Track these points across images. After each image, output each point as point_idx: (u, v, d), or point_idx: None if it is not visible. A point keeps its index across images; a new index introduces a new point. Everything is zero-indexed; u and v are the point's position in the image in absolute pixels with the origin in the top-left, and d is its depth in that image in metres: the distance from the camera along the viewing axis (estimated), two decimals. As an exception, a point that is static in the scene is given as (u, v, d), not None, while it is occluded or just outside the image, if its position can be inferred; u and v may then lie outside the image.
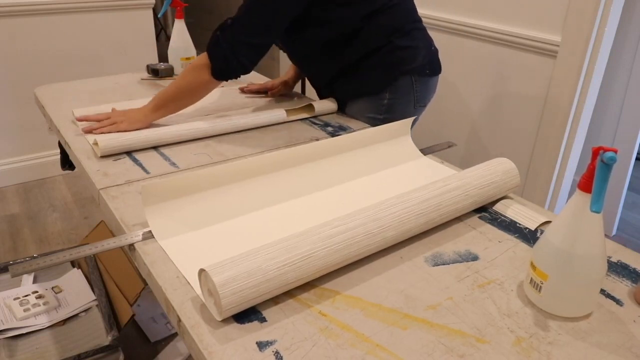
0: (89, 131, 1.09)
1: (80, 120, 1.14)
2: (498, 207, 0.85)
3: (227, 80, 1.14)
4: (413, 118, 1.07)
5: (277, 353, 0.55)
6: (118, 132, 1.09)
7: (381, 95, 1.26)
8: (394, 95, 1.27)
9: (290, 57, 1.37)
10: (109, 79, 1.48)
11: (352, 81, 1.28)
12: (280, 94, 1.43)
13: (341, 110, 1.34)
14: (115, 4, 2.40)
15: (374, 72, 1.25)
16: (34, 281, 1.51)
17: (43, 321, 1.35)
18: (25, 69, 2.30)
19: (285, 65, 3.30)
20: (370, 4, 1.17)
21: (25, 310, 1.36)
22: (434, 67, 1.31)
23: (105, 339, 1.30)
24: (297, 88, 1.49)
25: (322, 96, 1.41)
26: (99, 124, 1.11)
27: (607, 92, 2.03)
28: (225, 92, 1.32)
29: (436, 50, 1.34)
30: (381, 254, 0.73)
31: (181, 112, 1.20)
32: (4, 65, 2.26)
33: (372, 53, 1.22)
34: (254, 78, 1.55)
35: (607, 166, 0.54)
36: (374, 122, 1.28)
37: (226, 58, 1.09)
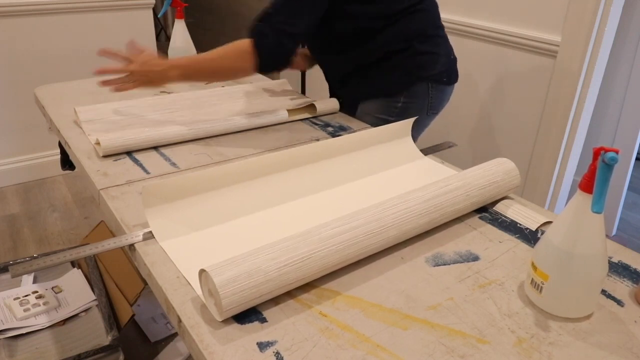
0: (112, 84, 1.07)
1: (100, 72, 1.08)
2: (499, 208, 0.85)
3: (268, 72, 1.13)
4: (414, 119, 1.07)
5: (277, 353, 0.55)
6: (132, 86, 1.07)
7: (396, 98, 1.25)
8: (408, 100, 1.26)
9: (310, 50, 1.37)
10: (108, 79, 1.48)
11: (368, 81, 1.27)
12: (300, 68, 1.42)
13: (350, 109, 1.32)
14: (115, 4, 2.40)
15: (391, 74, 1.24)
16: (34, 281, 1.51)
17: (43, 321, 1.35)
18: (25, 69, 2.30)
19: (285, 65, 3.30)
20: (395, 4, 1.16)
21: (25, 310, 1.36)
22: (451, 76, 1.31)
23: (105, 339, 1.30)
24: (297, 88, 1.49)
25: (334, 93, 1.41)
26: (116, 80, 1.07)
27: (607, 92, 2.03)
28: (226, 92, 1.32)
29: (455, 59, 1.33)
30: (382, 254, 0.73)
31: (181, 112, 1.20)
32: (4, 65, 2.25)
33: (392, 55, 1.21)
34: (254, 77, 1.55)
35: (609, 166, 0.54)
36: (384, 124, 1.26)
37: (273, 50, 1.08)
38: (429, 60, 1.24)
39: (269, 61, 1.09)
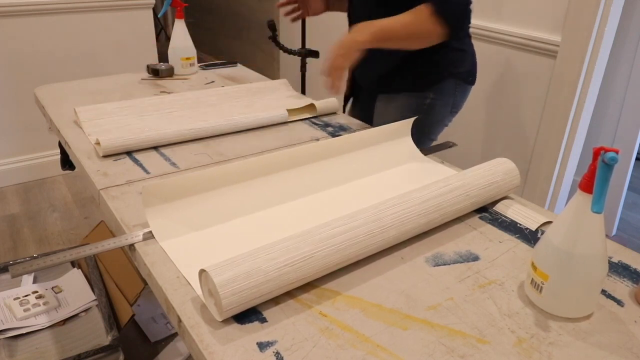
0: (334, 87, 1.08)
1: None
2: (498, 208, 0.85)
3: (453, 36, 1.12)
4: (414, 118, 1.07)
5: (277, 354, 0.55)
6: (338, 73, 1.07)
7: (425, 94, 1.23)
8: (436, 96, 1.24)
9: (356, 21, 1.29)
10: (109, 79, 1.48)
11: (401, 72, 1.23)
12: (314, 12, 1.40)
13: (366, 103, 1.29)
14: (115, 4, 2.40)
15: (423, 68, 1.21)
16: (34, 281, 1.51)
17: (43, 321, 1.35)
18: (25, 69, 2.30)
19: (284, 66, 3.30)
20: None
21: (25, 310, 1.36)
22: (474, 76, 1.30)
23: (105, 339, 1.30)
24: (297, 88, 1.49)
25: (355, 84, 1.38)
26: (330, 78, 1.08)
27: (607, 92, 2.03)
28: (226, 92, 1.32)
29: (476, 60, 1.32)
30: (382, 254, 0.73)
31: (181, 112, 1.20)
32: (4, 65, 2.25)
33: (426, 48, 1.16)
34: (254, 77, 1.55)
35: (609, 166, 0.54)
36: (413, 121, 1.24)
37: (455, 11, 1.09)
38: (459, 57, 1.23)
39: (454, 22, 1.09)
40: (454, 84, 1.24)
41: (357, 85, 1.40)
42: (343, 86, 1.10)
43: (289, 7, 1.41)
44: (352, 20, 1.33)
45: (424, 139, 1.31)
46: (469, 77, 1.27)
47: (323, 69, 1.10)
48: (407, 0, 1.09)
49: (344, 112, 1.48)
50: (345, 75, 1.10)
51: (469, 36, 1.27)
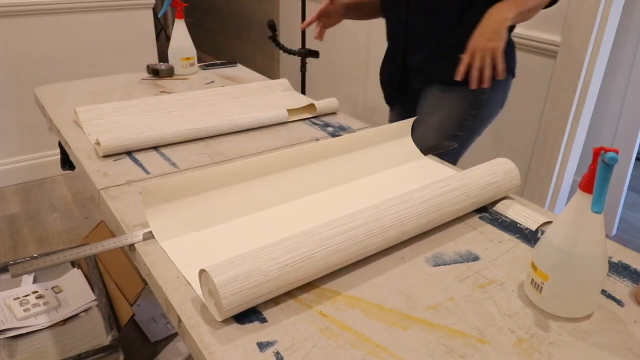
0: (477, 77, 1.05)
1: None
2: (498, 208, 0.85)
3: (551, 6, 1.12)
4: (414, 118, 1.07)
5: (277, 354, 0.55)
6: (499, 58, 1.03)
7: (483, 89, 1.17)
8: (492, 92, 1.19)
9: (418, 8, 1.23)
10: (109, 79, 1.48)
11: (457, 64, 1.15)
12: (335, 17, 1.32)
13: (411, 96, 1.26)
14: (115, 4, 2.40)
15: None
16: (34, 281, 1.51)
17: (43, 321, 1.35)
18: (25, 69, 2.30)
19: (284, 66, 3.30)
20: None
21: (25, 310, 1.36)
22: (515, 71, 1.27)
23: (105, 339, 1.30)
24: (297, 88, 1.49)
25: (404, 72, 1.31)
26: (475, 71, 1.04)
27: (607, 92, 2.03)
28: (226, 92, 1.32)
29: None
30: (382, 254, 0.73)
31: (181, 112, 1.20)
32: (4, 65, 2.25)
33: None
34: (254, 77, 1.55)
35: (609, 167, 0.54)
36: (464, 117, 1.19)
37: None
38: (511, 51, 1.19)
39: None
40: (505, 79, 1.20)
41: (407, 73, 1.33)
42: (502, 68, 1.06)
43: (316, 28, 1.32)
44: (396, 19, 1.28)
45: (473, 137, 1.27)
46: (514, 69, 1.25)
47: (466, 67, 1.05)
48: None
49: (388, 102, 1.42)
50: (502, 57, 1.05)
51: (512, 30, 1.22)
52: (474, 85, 1.06)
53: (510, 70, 1.23)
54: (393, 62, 1.34)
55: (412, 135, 1.22)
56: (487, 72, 1.04)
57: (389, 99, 1.44)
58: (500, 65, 1.04)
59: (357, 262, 0.70)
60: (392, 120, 1.39)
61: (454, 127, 1.25)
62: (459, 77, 1.07)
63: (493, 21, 1.04)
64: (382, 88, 1.44)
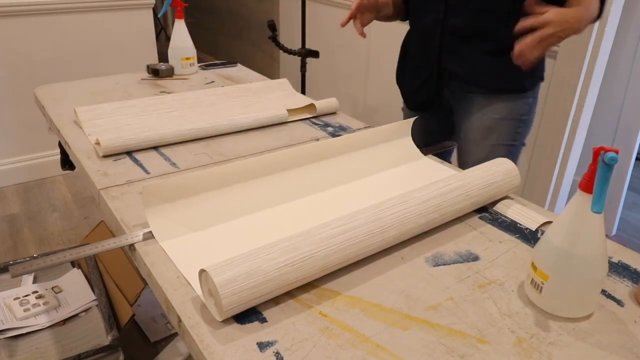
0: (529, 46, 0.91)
1: (520, 30, 0.91)
2: (498, 208, 0.85)
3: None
4: (415, 118, 1.07)
5: (277, 354, 0.55)
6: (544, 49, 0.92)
7: (527, 94, 1.12)
8: (535, 96, 1.14)
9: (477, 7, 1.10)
10: (109, 79, 1.48)
11: (505, 70, 1.06)
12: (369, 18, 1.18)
13: (446, 107, 1.19)
14: (115, 4, 2.40)
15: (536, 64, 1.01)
16: (34, 281, 1.51)
17: (43, 321, 1.35)
18: (25, 69, 2.30)
19: (284, 66, 3.30)
20: None
21: (25, 310, 1.36)
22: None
23: (105, 339, 1.30)
24: (297, 88, 1.49)
25: (438, 81, 1.20)
26: (531, 39, 0.90)
27: (607, 92, 2.03)
28: (226, 92, 1.32)
29: None
30: (382, 254, 0.73)
31: (181, 112, 1.20)
32: (4, 65, 2.25)
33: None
34: (254, 77, 1.55)
35: (608, 167, 0.54)
36: (516, 124, 1.14)
37: None
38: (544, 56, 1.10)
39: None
40: (540, 83, 1.17)
41: (441, 81, 1.21)
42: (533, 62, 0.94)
43: (355, 25, 1.16)
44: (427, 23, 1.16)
45: (520, 147, 1.19)
46: (543, 73, 1.19)
47: (529, 42, 0.91)
48: None
49: (412, 109, 1.29)
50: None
51: None
52: (516, 56, 0.92)
53: (542, 76, 1.18)
54: (423, 68, 1.22)
55: (458, 150, 1.18)
56: (538, 52, 0.92)
57: (415, 107, 1.31)
58: (540, 52, 0.93)
59: (357, 262, 0.70)
60: (422, 128, 1.24)
61: (510, 137, 1.16)
62: (518, 29, 0.92)
63: (575, 17, 0.92)
64: (406, 95, 1.32)
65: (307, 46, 2.41)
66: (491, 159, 0.96)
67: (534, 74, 1.13)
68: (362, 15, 1.17)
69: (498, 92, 1.14)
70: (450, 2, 1.11)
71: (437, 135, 1.27)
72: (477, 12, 1.09)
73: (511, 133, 1.17)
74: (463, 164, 1.24)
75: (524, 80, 1.13)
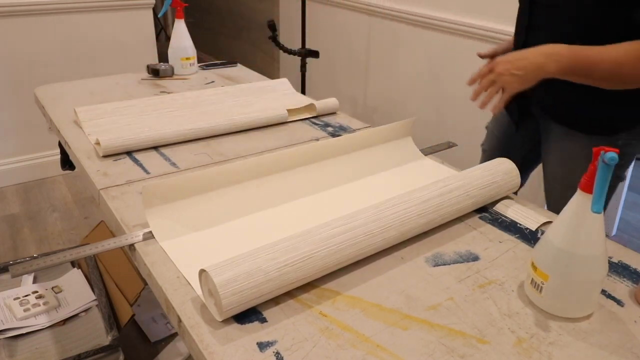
0: (478, 94, 0.91)
1: (471, 83, 0.90)
2: (498, 208, 0.85)
3: None
4: (414, 118, 1.07)
5: (277, 354, 0.55)
6: (505, 95, 0.87)
7: (617, 136, 0.96)
8: (629, 138, 0.97)
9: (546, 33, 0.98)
10: (109, 79, 1.48)
11: (586, 108, 0.97)
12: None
13: (530, 133, 1.08)
14: (115, 4, 2.40)
15: (617, 107, 0.94)
16: (34, 281, 1.51)
17: (43, 321, 1.35)
18: (25, 69, 2.30)
19: (284, 66, 3.30)
20: None
21: (25, 310, 1.36)
22: None
23: (105, 339, 1.30)
24: (297, 88, 1.49)
25: (523, 107, 1.09)
26: (480, 87, 0.89)
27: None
28: (226, 92, 1.32)
29: None
30: (382, 254, 0.73)
31: (181, 112, 1.20)
32: (4, 65, 2.25)
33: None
34: (254, 77, 1.55)
35: (608, 167, 0.54)
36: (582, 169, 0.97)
37: None
38: None
39: None
40: None
41: (524, 108, 1.11)
42: (500, 107, 0.90)
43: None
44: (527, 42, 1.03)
45: (617, 174, 1.01)
46: None
47: (478, 78, 0.90)
48: (620, 30, 0.85)
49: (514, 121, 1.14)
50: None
51: None
52: (473, 98, 0.93)
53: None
54: None
55: (544, 186, 1.05)
56: (486, 99, 0.91)
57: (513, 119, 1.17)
58: (500, 104, 0.90)
59: (357, 262, 0.70)
60: (503, 144, 1.16)
61: (569, 179, 0.99)
62: (469, 82, 0.94)
63: (535, 60, 0.86)
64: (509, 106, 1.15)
65: (307, 46, 2.41)
66: (559, 196, 0.89)
67: (622, 114, 0.96)
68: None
69: (578, 130, 1.00)
70: (533, 19, 1.02)
71: (517, 151, 1.16)
72: (556, 33, 0.96)
73: (572, 178, 0.97)
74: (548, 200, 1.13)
75: (604, 122, 0.98)
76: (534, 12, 1.01)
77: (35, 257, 1.04)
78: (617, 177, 1.02)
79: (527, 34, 1.04)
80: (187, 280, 0.66)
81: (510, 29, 1.85)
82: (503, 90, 0.89)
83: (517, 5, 1.07)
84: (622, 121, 0.97)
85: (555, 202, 1.06)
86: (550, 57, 0.86)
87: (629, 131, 0.97)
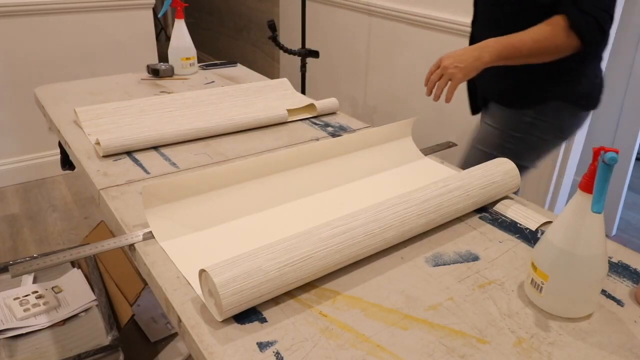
0: (431, 89, 1.09)
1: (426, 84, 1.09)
2: (498, 208, 0.85)
3: (589, 50, 1.04)
4: (415, 118, 1.07)
5: (277, 354, 0.55)
6: (452, 85, 1.05)
7: (524, 111, 1.16)
8: (537, 117, 1.15)
9: (482, 27, 1.23)
10: (109, 79, 1.48)
11: (508, 84, 1.16)
12: None
13: (480, 105, 1.28)
14: (115, 4, 2.40)
15: (525, 86, 1.14)
16: (34, 281, 1.51)
17: (43, 321, 1.35)
18: (25, 69, 2.30)
19: (284, 66, 3.30)
20: None
21: (25, 310, 1.36)
22: (592, 101, 1.18)
23: (105, 339, 1.30)
24: (297, 88, 1.49)
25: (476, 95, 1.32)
26: (430, 82, 1.07)
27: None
28: (226, 92, 1.32)
29: (600, 83, 1.19)
30: (382, 254, 0.73)
31: (181, 112, 1.20)
32: (4, 65, 2.25)
33: (533, 65, 1.08)
34: (254, 77, 1.55)
35: (608, 167, 0.54)
36: (503, 140, 1.18)
37: (593, 27, 1.00)
38: (571, 78, 1.12)
39: (591, 38, 1.01)
40: (558, 107, 1.15)
41: (474, 95, 1.34)
42: (450, 96, 1.07)
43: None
44: (475, 36, 1.26)
45: (519, 162, 1.13)
46: (583, 101, 1.16)
47: (430, 75, 1.08)
48: (538, 12, 1.04)
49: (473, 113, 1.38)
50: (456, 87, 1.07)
51: (589, 53, 1.12)
52: (427, 93, 1.10)
53: (569, 99, 1.15)
54: None
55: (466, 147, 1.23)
56: (437, 92, 1.08)
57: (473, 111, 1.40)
58: (449, 94, 1.06)
59: (357, 262, 0.70)
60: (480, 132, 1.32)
61: (493, 146, 1.23)
62: (425, 82, 1.12)
63: (471, 53, 1.05)
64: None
65: (307, 46, 2.41)
66: (471, 160, 1.07)
67: (529, 93, 1.15)
68: None
69: (504, 105, 1.20)
70: (477, 15, 1.25)
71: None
72: (487, 25, 1.20)
73: (496, 144, 1.22)
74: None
75: (515, 98, 1.18)
76: (478, 8, 1.25)
77: (35, 257, 1.04)
78: (524, 167, 1.22)
79: (473, 27, 1.27)
80: (187, 280, 0.66)
81: (510, 29, 1.85)
82: (451, 82, 1.06)
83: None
84: (530, 99, 1.16)
85: (467, 162, 1.25)
86: (483, 49, 1.05)
87: (535, 109, 1.16)
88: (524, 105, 1.17)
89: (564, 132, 1.20)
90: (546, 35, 1.02)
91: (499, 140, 1.21)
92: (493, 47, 1.04)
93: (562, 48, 1.03)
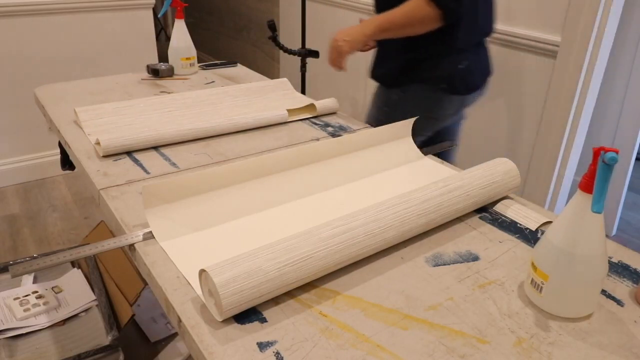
0: (336, 66, 1.25)
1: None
2: (498, 208, 0.85)
3: (450, 19, 1.17)
4: (415, 118, 1.07)
5: (277, 354, 0.55)
6: (342, 55, 1.22)
7: (392, 90, 1.33)
8: (402, 95, 1.31)
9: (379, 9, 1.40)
10: (109, 79, 1.48)
11: (386, 62, 1.33)
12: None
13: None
14: (115, 4, 2.40)
15: (393, 64, 1.30)
16: (34, 281, 1.51)
17: (43, 321, 1.35)
18: (25, 69, 2.30)
19: (284, 66, 3.30)
20: None
21: (25, 310, 1.36)
22: (455, 85, 1.28)
23: (105, 339, 1.30)
24: (297, 88, 1.49)
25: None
26: (328, 53, 1.23)
27: (607, 92, 2.03)
28: (226, 92, 1.32)
29: (466, 68, 1.28)
30: (382, 254, 0.73)
31: (181, 111, 1.20)
32: (4, 65, 2.25)
33: (401, 48, 1.26)
34: (254, 77, 1.55)
35: (608, 167, 0.54)
36: (378, 112, 1.36)
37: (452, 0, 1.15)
38: (434, 64, 1.26)
39: (446, 6, 1.14)
40: (419, 88, 1.29)
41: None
42: (344, 65, 1.25)
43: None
44: None
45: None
46: (442, 84, 1.27)
47: (329, 51, 1.24)
48: None
49: None
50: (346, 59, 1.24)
51: (480, 44, 1.29)
52: (329, 64, 1.26)
53: (431, 82, 1.28)
54: None
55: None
56: (331, 63, 1.25)
57: None
58: (339, 63, 1.24)
59: (357, 262, 0.70)
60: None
61: (372, 118, 1.41)
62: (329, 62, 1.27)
63: (357, 28, 1.21)
64: None
65: (307, 46, 2.40)
66: (370, 121, 1.30)
67: (393, 73, 1.33)
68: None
69: (377, 81, 1.40)
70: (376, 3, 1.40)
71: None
72: (381, 6, 1.32)
73: (372, 117, 1.41)
74: None
75: (391, 77, 1.35)
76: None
77: (35, 257, 1.04)
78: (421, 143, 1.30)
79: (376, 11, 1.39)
80: (187, 280, 0.66)
81: (509, 28, 1.85)
82: (340, 53, 1.23)
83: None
84: (394, 79, 1.33)
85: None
86: (364, 24, 1.21)
87: (401, 88, 1.32)
88: (393, 85, 1.35)
89: (432, 111, 1.32)
90: (412, 8, 1.17)
91: (376, 114, 1.39)
92: (372, 22, 1.20)
93: (428, 18, 1.17)
